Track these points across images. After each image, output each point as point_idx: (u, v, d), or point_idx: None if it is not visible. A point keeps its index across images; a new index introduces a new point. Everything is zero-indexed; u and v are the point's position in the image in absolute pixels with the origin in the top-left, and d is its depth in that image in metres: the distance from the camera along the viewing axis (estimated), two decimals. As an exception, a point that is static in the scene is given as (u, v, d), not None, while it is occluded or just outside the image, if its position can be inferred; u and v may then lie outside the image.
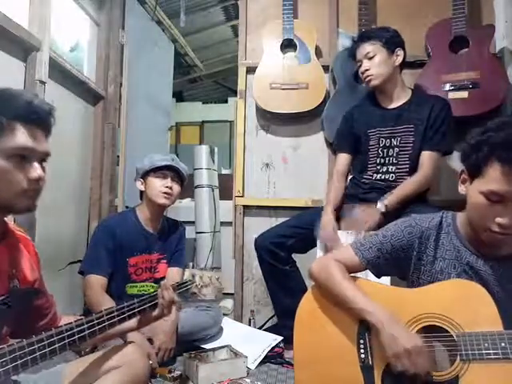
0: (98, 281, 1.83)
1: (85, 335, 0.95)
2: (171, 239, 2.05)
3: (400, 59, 1.94)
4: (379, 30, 2.02)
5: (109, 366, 1.06)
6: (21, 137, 0.88)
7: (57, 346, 0.88)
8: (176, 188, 1.96)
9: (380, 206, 1.78)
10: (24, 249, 1.05)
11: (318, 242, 1.93)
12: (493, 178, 1.01)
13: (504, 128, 1.00)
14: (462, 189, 1.12)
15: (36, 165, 0.91)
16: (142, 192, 2.00)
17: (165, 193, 1.92)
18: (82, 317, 1.00)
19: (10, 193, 0.88)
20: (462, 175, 1.12)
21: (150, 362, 1.57)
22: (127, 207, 2.64)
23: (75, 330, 0.93)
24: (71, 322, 0.93)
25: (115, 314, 1.05)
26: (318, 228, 1.91)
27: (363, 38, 1.98)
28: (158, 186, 1.92)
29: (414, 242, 1.19)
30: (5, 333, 0.95)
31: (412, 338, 1.03)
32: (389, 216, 1.72)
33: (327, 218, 1.91)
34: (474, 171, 1.06)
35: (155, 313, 1.20)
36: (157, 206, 1.95)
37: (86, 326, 0.95)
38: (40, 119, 0.91)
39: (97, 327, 0.98)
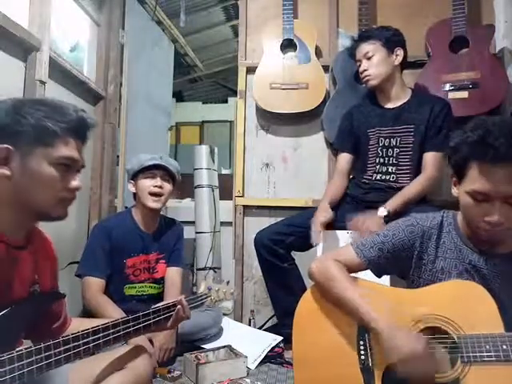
0: (96, 283, 1.82)
1: (99, 343, 0.96)
2: (169, 239, 2.04)
3: (400, 59, 1.94)
4: (379, 29, 2.02)
5: (112, 367, 1.06)
6: (70, 148, 0.93)
7: (71, 352, 0.88)
8: (167, 186, 1.93)
9: (382, 211, 1.76)
10: (46, 253, 1.07)
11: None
12: (474, 178, 1.03)
13: (480, 127, 1.02)
14: (454, 191, 1.13)
15: (77, 175, 0.96)
16: (135, 193, 1.98)
17: (154, 194, 1.90)
18: (95, 321, 1.00)
19: (51, 200, 0.92)
20: (453, 178, 1.13)
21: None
22: (127, 207, 2.64)
23: (90, 338, 0.93)
24: (88, 329, 0.94)
25: (131, 323, 1.05)
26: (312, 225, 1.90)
27: (362, 37, 1.98)
28: (147, 187, 1.89)
29: (416, 242, 1.19)
30: (21, 335, 0.96)
31: (415, 341, 1.02)
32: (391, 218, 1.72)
33: (321, 207, 1.90)
34: (459, 173, 1.08)
35: (167, 325, 1.20)
36: (149, 209, 1.93)
37: (101, 334, 0.96)
38: (86, 134, 0.98)
39: (111, 336, 0.99)
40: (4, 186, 0.89)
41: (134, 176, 1.94)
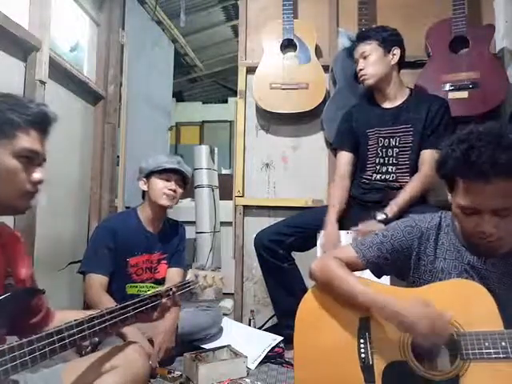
0: (99, 280, 1.83)
1: (85, 335, 0.95)
2: (172, 240, 2.05)
3: (396, 58, 1.94)
4: (377, 29, 2.02)
5: (109, 365, 1.06)
6: (32, 140, 0.94)
7: (57, 345, 0.88)
8: (179, 191, 1.96)
9: (380, 216, 1.76)
10: (16, 246, 1.06)
11: (319, 243, 1.93)
12: (461, 194, 1.03)
13: (465, 140, 1.00)
14: (450, 198, 1.13)
15: (39, 168, 0.96)
16: (143, 192, 2.00)
17: (168, 194, 1.92)
18: (81, 313, 1.00)
19: (15, 192, 0.93)
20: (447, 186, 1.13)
21: (150, 362, 1.57)
22: (127, 207, 2.64)
23: (75, 330, 0.92)
24: (71, 321, 0.93)
25: (117, 313, 1.04)
26: (322, 230, 1.90)
27: (360, 37, 2.00)
28: (162, 188, 1.91)
29: (414, 242, 1.20)
30: (2, 332, 0.95)
31: (424, 309, 1.03)
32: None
33: (331, 226, 1.89)
34: (448, 184, 1.09)
35: (154, 316, 1.19)
36: (159, 207, 1.95)
37: (86, 325, 0.95)
38: (48, 128, 0.99)
39: (97, 327, 0.98)
40: None
41: (148, 175, 1.95)
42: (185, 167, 1.98)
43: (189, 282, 1.39)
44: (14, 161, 0.91)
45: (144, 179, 1.97)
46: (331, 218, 1.91)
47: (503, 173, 0.95)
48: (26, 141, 0.93)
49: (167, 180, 1.93)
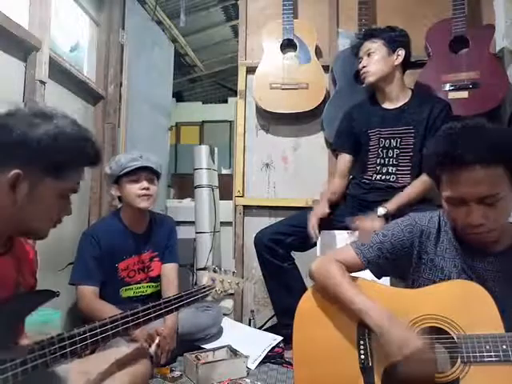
0: (90, 291, 1.82)
1: (98, 339, 0.96)
2: (160, 236, 2.03)
3: (400, 59, 1.94)
4: (384, 28, 2.01)
5: (110, 367, 1.06)
6: (80, 177, 0.94)
7: (68, 350, 0.89)
8: (153, 187, 1.91)
9: (380, 211, 1.77)
10: (27, 255, 1.06)
11: (318, 242, 1.92)
12: (445, 186, 1.05)
13: (446, 135, 1.03)
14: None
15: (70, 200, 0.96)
16: (119, 196, 1.95)
17: (143, 195, 1.88)
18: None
19: (48, 225, 0.93)
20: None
21: (154, 346, 1.56)
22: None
23: (88, 334, 0.94)
24: (84, 325, 0.94)
25: (129, 318, 1.05)
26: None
27: (366, 35, 2.00)
28: (135, 191, 1.87)
29: (415, 241, 1.20)
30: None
31: (413, 340, 1.02)
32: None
33: (321, 202, 1.94)
34: (434, 180, 1.11)
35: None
36: (138, 209, 1.91)
37: (98, 330, 0.97)
38: None
39: (110, 332, 0.99)
40: (4, 209, 0.87)
41: (117, 180, 1.90)
42: (150, 160, 1.91)
43: (205, 287, 1.35)
44: (58, 200, 0.91)
45: (115, 185, 1.92)
46: (324, 197, 1.95)
47: (483, 160, 0.97)
48: (76, 180, 0.92)
49: (137, 181, 1.87)
